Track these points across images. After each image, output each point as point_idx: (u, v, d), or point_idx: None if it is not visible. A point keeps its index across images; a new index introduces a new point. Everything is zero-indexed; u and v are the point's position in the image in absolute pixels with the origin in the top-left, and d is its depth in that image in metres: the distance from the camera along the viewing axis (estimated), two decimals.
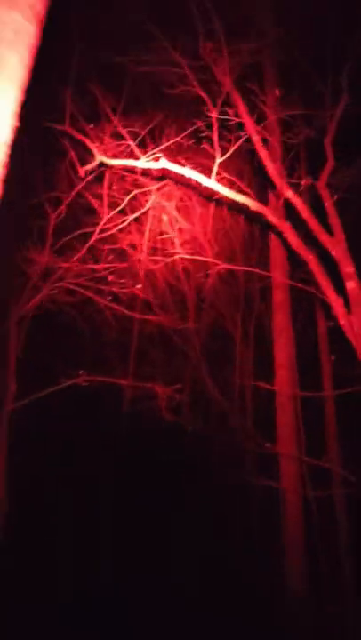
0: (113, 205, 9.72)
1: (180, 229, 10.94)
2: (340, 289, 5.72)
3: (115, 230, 9.74)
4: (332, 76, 7.99)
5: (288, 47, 8.92)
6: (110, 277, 8.98)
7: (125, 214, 10.04)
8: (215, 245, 11.54)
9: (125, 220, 10.26)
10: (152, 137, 8.27)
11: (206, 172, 7.88)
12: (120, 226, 9.74)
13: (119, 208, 9.65)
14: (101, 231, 9.64)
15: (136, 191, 9.83)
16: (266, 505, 9.30)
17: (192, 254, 11.13)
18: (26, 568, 9.26)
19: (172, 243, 10.98)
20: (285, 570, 7.01)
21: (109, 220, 9.66)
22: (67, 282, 8.92)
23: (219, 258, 11.32)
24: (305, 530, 7.04)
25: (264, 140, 7.57)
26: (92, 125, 8.18)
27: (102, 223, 9.41)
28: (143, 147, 8.43)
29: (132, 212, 10.65)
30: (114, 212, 9.68)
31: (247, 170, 9.46)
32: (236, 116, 7.11)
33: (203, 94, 6.93)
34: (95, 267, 8.96)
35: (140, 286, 9.62)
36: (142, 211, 10.41)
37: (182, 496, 10.84)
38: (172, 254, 10.30)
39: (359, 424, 5.16)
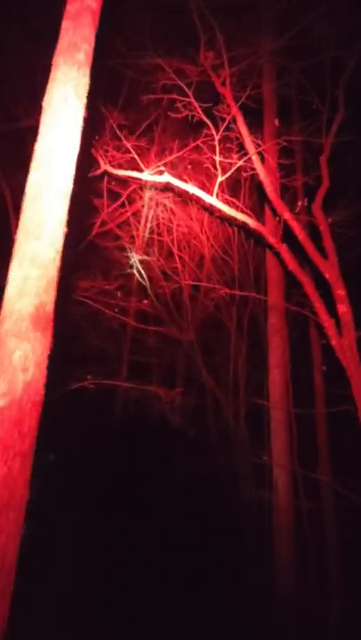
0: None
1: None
2: (333, 310, 6.22)
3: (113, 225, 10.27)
4: (330, 90, 8.34)
5: (286, 59, 9.28)
6: (119, 294, 9.44)
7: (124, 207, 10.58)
8: (210, 235, 11.95)
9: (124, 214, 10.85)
10: (156, 147, 8.64)
11: (206, 171, 8.29)
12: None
13: (119, 202, 10.16)
14: (101, 224, 10.16)
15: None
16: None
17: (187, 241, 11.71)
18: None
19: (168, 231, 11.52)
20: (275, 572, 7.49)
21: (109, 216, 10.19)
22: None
23: (212, 248, 11.94)
24: (296, 536, 7.47)
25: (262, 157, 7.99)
26: (96, 137, 8.54)
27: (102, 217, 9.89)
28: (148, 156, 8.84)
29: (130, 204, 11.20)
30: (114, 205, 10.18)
31: (247, 185, 9.83)
32: (237, 138, 7.52)
33: (206, 120, 7.27)
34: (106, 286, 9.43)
35: (145, 301, 10.08)
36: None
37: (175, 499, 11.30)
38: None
39: (349, 440, 5.66)
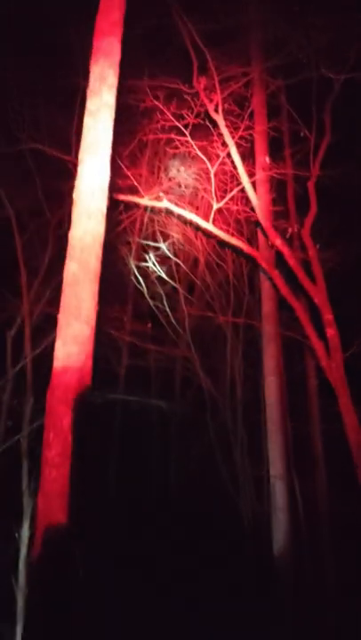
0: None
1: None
2: (323, 331, 6.84)
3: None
4: (316, 116, 8.86)
5: (276, 81, 9.77)
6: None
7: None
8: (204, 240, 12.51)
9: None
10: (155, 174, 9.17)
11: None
12: None
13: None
14: None
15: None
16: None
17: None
18: None
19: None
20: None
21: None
22: None
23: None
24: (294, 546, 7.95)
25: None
26: None
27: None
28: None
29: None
30: None
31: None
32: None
33: (202, 156, 7.83)
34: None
35: (149, 325, 10.66)
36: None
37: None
38: None
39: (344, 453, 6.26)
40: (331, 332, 6.62)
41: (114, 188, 9.26)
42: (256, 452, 11.22)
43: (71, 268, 3.58)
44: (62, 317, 3.54)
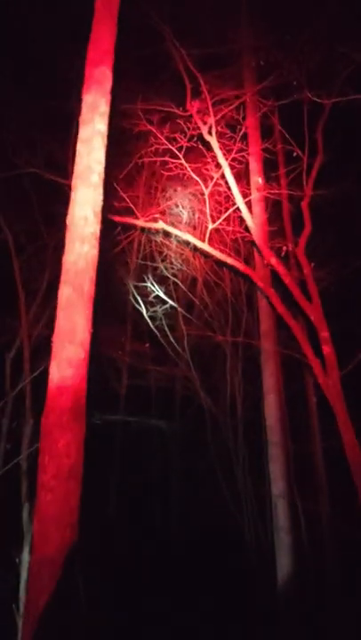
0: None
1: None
2: (320, 349, 6.86)
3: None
4: (309, 135, 9.01)
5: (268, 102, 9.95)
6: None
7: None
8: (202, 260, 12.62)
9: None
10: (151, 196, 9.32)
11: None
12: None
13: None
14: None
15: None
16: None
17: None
18: None
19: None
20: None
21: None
22: None
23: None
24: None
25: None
26: None
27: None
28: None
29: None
30: None
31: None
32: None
33: (196, 177, 7.95)
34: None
35: (147, 345, 10.73)
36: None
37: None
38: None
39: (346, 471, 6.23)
40: (327, 349, 6.64)
41: (111, 210, 9.38)
42: (258, 470, 11.16)
43: (65, 292, 3.63)
44: (57, 341, 3.57)
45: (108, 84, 4.38)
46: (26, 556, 8.70)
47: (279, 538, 7.74)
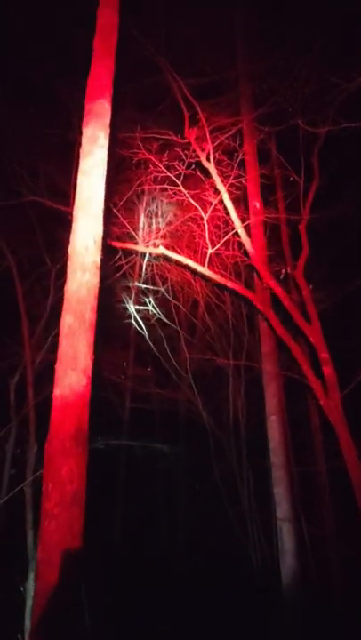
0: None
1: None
2: (320, 370, 6.91)
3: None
4: (304, 161, 9.19)
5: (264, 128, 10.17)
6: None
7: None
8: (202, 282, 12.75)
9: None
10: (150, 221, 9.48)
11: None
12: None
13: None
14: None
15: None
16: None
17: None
18: None
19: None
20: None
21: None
22: None
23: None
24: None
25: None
26: None
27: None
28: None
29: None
30: None
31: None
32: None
33: (194, 203, 8.11)
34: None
35: (149, 369, 10.81)
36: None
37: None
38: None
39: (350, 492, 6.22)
40: (327, 370, 6.69)
41: (112, 235, 9.54)
42: (263, 493, 11.11)
43: (67, 320, 3.71)
44: (59, 367, 3.65)
45: (107, 117, 4.52)
46: (31, 583, 8.65)
47: (285, 562, 7.68)
